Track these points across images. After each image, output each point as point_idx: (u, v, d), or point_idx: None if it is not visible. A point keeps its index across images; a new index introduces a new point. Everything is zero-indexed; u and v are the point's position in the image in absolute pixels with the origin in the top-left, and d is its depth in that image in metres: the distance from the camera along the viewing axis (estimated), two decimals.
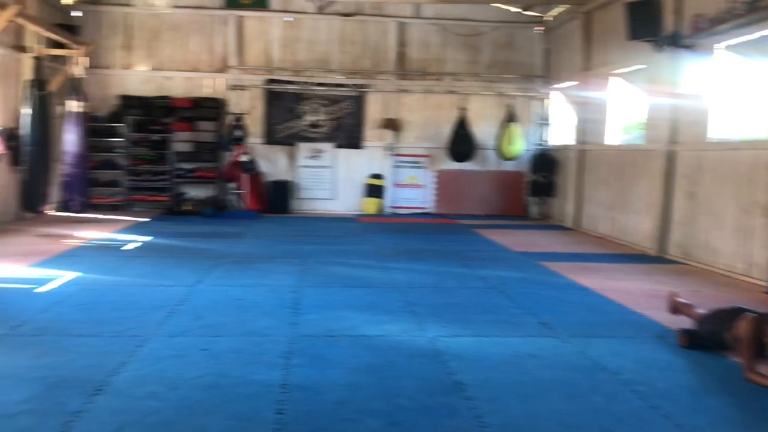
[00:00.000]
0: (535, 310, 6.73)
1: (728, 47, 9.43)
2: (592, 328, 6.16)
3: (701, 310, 5.89)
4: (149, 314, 6.16)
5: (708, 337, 5.43)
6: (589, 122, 14.04)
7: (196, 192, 15.59)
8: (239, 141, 15.01)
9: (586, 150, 14.14)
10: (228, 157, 15.35)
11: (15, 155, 11.67)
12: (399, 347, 5.41)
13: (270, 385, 4.49)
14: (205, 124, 15.51)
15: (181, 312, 6.31)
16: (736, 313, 5.36)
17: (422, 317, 6.35)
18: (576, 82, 14.43)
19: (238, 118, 15.18)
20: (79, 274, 7.82)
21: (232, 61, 15.61)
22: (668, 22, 10.30)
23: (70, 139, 12.66)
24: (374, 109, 16.10)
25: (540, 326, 6.18)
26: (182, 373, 4.67)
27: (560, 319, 6.44)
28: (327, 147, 16.04)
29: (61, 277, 7.62)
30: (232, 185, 15.35)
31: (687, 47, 10.02)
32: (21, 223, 12.18)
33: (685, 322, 5.98)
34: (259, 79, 15.75)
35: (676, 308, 6.26)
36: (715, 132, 9.70)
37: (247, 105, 15.69)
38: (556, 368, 4.98)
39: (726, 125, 9.64)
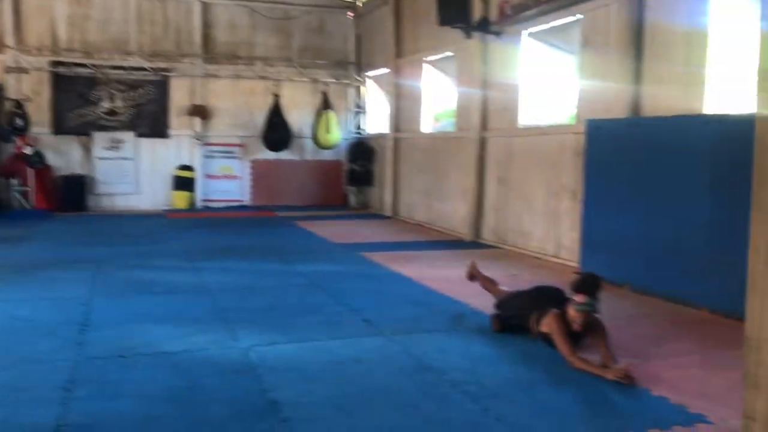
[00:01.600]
0: (358, 306, 6.32)
1: (534, 34, 9.65)
2: (416, 322, 5.85)
3: (503, 288, 5.88)
4: None
5: (508, 317, 5.39)
6: (403, 110, 14.00)
7: None
8: (21, 131, 13.19)
9: (402, 138, 14.10)
10: (8, 149, 13.46)
11: None
12: (206, 363, 4.72)
13: (41, 429, 3.63)
14: None
15: None
16: (536, 295, 5.33)
17: (235, 325, 5.68)
18: (389, 69, 14.32)
19: (19, 104, 13.33)
20: None
21: (9, 40, 13.67)
22: (477, 8, 10.36)
23: None
24: (180, 94, 14.92)
25: (363, 324, 5.76)
26: None
27: (383, 314, 6.07)
28: (127, 136, 14.62)
29: None
30: (15, 181, 13.47)
31: (495, 33, 10.15)
32: None
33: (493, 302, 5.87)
34: (43, 61, 13.95)
35: (475, 276, 6.21)
36: (525, 118, 9.92)
37: (30, 90, 13.83)
38: (381, 373, 4.56)
39: (535, 111, 9.88)
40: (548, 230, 9.22)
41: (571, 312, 4.74)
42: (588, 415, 3.89)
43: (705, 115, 6.41)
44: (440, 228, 12.34)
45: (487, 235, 10.79)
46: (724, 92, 6.67)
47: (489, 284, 6.10)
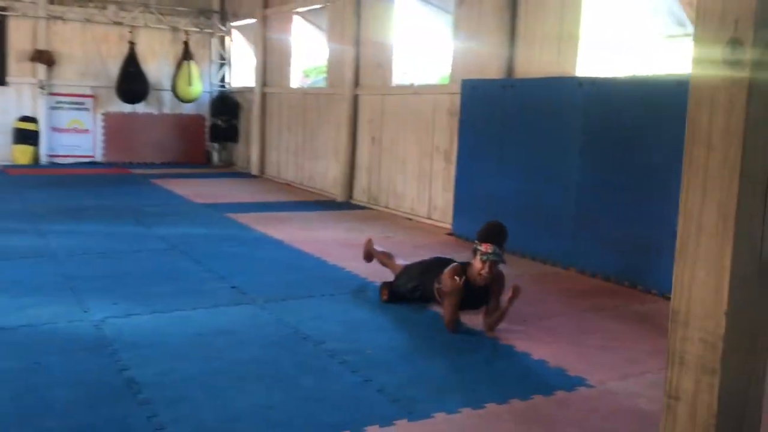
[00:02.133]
0: (225, 272, 5.89)
1: None
2: (289, 288, 5.51)
3: (402, 261, 5.62)
4: None
5: (409, 290, 5.14)
6: (271, 64, 13.37)
7: None
8: None
9: (270, 93, 13.49)
10: None
11: None
12: (51, 340, 4.15)
13: None
14: None
15: None
16: (436, 265, 5.14)
17: (85, 294, 5.08)
18: (256, 20, 13.57)
19: None
20: None
21: None
22: None
23: None
24: (19, 37, 13.39)
25: (232, 292, 5.35)
26: None
27: (253, 280, 5.69)
28: None
29: None
30: None
31: None
32: None
33: (383, 273, 5.67)
34: None
35: (371, 255, 5.91)
36: (399, 77, 9.71)
37: None
38: (253, 345, 4.21)
39: (409, 70, 9.69)
40: (421, 191, 9.13)
41: (477, 263, 4.50)
42: (470, 382, 3.76)
43: (578, 78, 6.46)
44: (311, 188, 11.98)
45: (360, 196, 10.57)
46: (597, 55, 6.76)
47: (386, 259, 5.77)
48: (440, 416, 3.28)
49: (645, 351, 4.32)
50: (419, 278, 5.09)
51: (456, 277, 4.52)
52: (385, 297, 5.23)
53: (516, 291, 4.46)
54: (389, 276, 5.51)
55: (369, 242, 5.94)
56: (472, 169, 7.69)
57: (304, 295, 5.33)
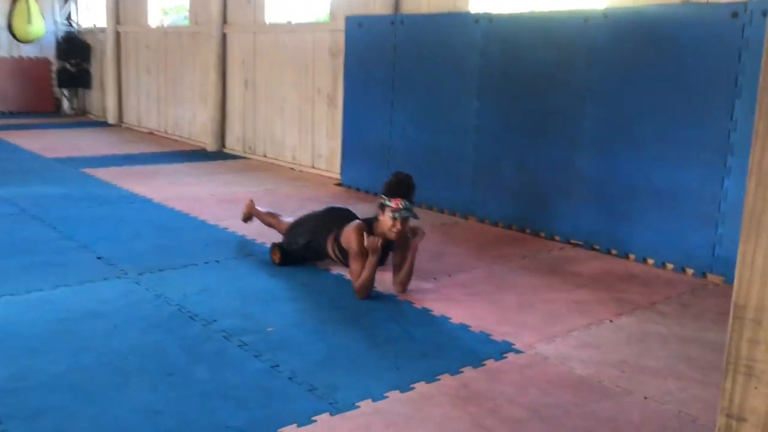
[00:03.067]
0: (88, 240, 5.08)
1: None
2: (166, 255, 4.81)
3: (289, 219, 5.07)
4: None
5: (302, 246, 4.62)
6: (125, 0, 12.03)
7: None
8: None
9: (125, 33, 12.16)
10: None
11: None
12: None
13: None
14: None
15: None
16: (331, 217, 4.64)
17: None
18: None
19: None
20: None
21: None
22: None
23: None
24: None
25: (99, 263, 4.59)
26: None
27: (123, 248, 4.94)
28: None
29: None
30: None
31: None
32: None
33: (271, 233, 5.10)
34: None
35: (251, 216, 5.31)
36: (273, 14, 8.91)
37: None
38: (131, 330, 3.54)
39: (284, 6, 8.91)
40: (303, 139, 8.51)
41: (387, 221, 4.02)
42: (392, 358, 3.33)
43: (473, 14, 6.04)
44: (178, 137, 11.00)
45: (234, 145, 9.77)
46: None
47: (271, 219, 5.17)
48: (366, 405, 2.83)
49: (564, 306, 4.08)
50: (312, 232, 4.58)
51: (366, 235, 4.05)
52: (276, 260, 4.68)
53: (419, 233, 4.11)
54: (278, 236, 4.96)
55: (250, 205, 5.32)
56: (360, 114, 7.17)
57: (183, 263, 4.66)
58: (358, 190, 7.23)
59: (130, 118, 12.39)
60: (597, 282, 4.55)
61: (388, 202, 4.02)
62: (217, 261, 4.74)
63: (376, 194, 6.99)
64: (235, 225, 5.58)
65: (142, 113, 12.00)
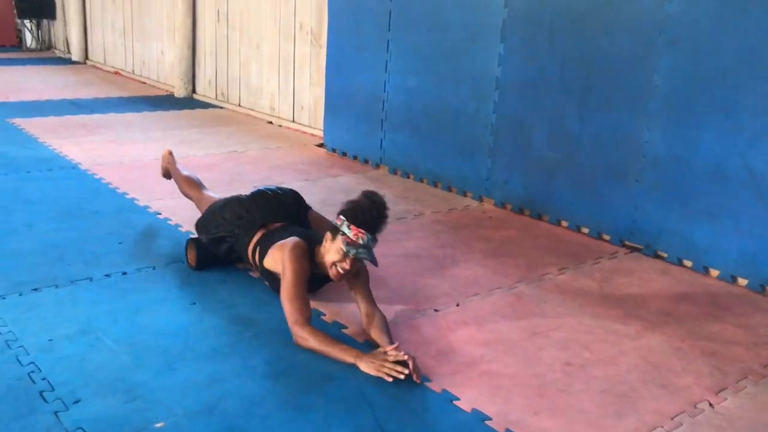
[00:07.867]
0: None
1: None
2: (55, 262, 3.34)
3: (212, 194, 3.65)
4: None
5: (216, 241, 3.23)
6: None
7: None
8: None
9: None
10: None
11: None
12: None
13: None
14: None
15: None
16: (257, 208, 3.18)
17: None
18: None
19: None
20: None
21: None
22: None
23: None
24: None
25: None
26: None
27: (8, 246, 3.52)
28: None
29: None
30: None
31: None
32: None
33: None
34: None
35: (169, 172, 3.96)
36: None
37: None
38: None
39: None
40: (283, 85, 6.97)
41: (334, 252, 2.67)
42: None
43: None
44: (145, 78, 9.47)
45: (205, 90, 8.25)
46: None
47: (190, 189, 3.76)
48: None
49: (648, 370, 2.65)
50: (231, 227, 3.17)
51: (292, 259, 2.66)
52: (192, 261, 3.30)
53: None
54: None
55: (167, 157, 3.99)
56: (347, 58, 5.60)
57: (73, 276, 3.19)
58: (344, 154, 5.75)
59: (96, 54, 10.82)
60: (680, 319, 3.10)
61: (345, 229, 2.60)
62: (123, 273, 3.29)
63: (365, 161, 5.52)
64: (170, 207, 4.15)
65: (108, 49, 10.42)
